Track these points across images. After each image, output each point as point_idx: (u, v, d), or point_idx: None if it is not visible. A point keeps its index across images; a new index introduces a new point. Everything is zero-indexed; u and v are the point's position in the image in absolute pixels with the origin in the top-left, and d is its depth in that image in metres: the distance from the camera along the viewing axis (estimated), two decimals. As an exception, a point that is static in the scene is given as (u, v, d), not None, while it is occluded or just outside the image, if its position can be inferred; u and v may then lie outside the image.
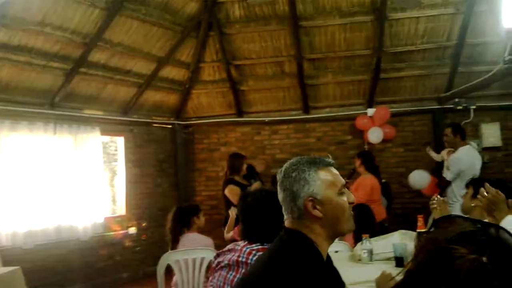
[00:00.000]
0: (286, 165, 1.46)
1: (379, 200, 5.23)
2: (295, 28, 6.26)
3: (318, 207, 1.37)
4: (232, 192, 4.83)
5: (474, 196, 2.77)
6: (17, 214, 5.23)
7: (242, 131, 7.50)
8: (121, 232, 6.48)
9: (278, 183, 1.46)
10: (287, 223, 1.44)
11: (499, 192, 2.41)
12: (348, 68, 6.85)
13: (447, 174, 4.92)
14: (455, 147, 5.07)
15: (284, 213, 1.45)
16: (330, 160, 1.48)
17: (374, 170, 5.32)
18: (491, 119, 6.93)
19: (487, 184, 2.48)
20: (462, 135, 5.00)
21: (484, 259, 0.79)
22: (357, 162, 5.34)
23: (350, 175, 5.73)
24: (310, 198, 1.37)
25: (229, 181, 5.00)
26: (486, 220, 2.30)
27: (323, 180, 1.40)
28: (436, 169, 6.00)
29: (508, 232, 0.90)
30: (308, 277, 1.28)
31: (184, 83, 7.10)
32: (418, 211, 6.02)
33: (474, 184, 2.85)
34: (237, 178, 5.03)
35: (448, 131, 5.04)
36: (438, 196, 2.93)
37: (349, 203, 1.45)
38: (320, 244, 1.39)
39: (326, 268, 1.42)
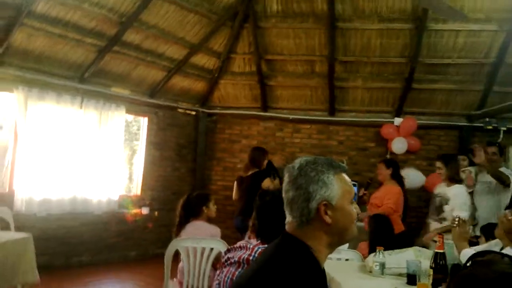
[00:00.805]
0: (301, 161, 1.36)
1: (401, 211, 4.92)
2: (331, 28, 6.17)
3: (329, 212, 1.31)
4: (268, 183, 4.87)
5: None
6: (35, 181, 5.33)
7: (265, 126, 7.47)
8: (134, 211, 6.54)
9: (290, 180, 1.35)
10: (289, 227, 1.36)
11: None
12: (380, 75, 6.73)
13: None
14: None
15: (288, 213, 1.36)
16: (345, 166, 1.41)
17: (399, 179, 5.01)
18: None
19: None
20: (504, 155, 4.78)
21: None
22: (382, 169, 5.02)
23: (367, 186, 5.52)
24: (325, 202, 1.30)
25: (263, 174, 5.04)
26: None
27: (340, 186, 1.33)
28: None
29: None
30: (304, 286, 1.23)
31: (213, 72, 7.09)
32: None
33: None
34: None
35: (494, 149, 4.70)
36: (459, 217, 2.83)
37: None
38: (320, 253, 1.33)
39: (323, 278, 1.36)
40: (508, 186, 4.47)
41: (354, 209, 1.38)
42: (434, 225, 4.50)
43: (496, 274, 0.81)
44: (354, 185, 5.53)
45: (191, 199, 3.82)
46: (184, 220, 3.72)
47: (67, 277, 5.33)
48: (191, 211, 3.76)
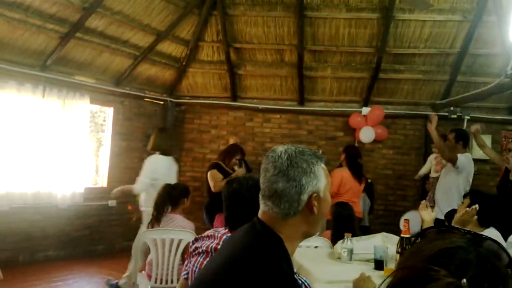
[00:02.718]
0: (289, 152, 1.31)
1: (348, 197, 4.78)
2: (300, 17, 6.14)
3: (316, 203, 1.31)
4: (213, 177, 4.72)
5: (469, 206, 2.76)
6: (-4, 174, 5.12)
7: (235, 116, 7.41)
8: (100, 203, 6.38)
9: (279, 171, 1.30)
10: (267, 217, 1.32)
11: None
12: (348, 64, 6.77)
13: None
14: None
15: (271, 204, 1.30)
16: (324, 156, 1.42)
17: (352, 165, 5.01)
18: (484, 131, 6.93)
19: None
20: (465, 142, 4.87)
21: (464, 281, 0.73)
22: (342, 155, 5.16)
23: None
24: (315, 194, 1.30)
25: (213, 166, 4.89)
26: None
27: (325, 177, 1.34)
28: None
29: (498, 243, 0.84)
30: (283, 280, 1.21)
31: (181, 60, 6.96)
32: (399, 214, 6.05)
33: (472, 196, 2.83)
34: (223, 164, 4.92)
35: (451, 136, 4.88)
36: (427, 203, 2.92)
37: None
38: (292, 244, 1.32)
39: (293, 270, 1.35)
40: (454, 164, 4.61)
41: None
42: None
43: (436, 250, 0.79)
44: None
45: (174, 189, 3.77)
46: (163, 210, 3.65)
47: (32, 273, 5.16)
48: (171, 201, 3.70)
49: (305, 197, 1.29)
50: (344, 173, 4.91)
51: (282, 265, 1.23)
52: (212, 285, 1.27)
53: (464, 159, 4.66)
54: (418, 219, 5.51)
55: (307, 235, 1.38)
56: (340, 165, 5.46)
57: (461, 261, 0.76)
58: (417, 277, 0.77)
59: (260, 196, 1.35)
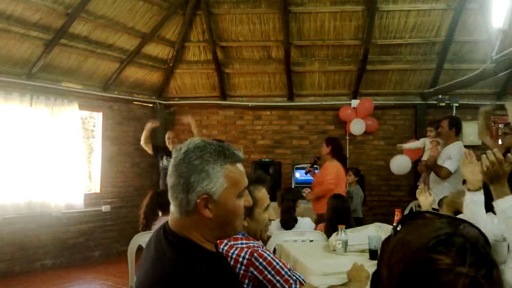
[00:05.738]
0: (189, 146, 1.24)
1: (344, 187, 4.93)
2: (284, 12, 6.14)
3: (210, 206, 1.21)
4: None
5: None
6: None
7: (225, 115, 7.40)
8: (95, 209, 6.35)
9: (173, 164, 1.24)
10: (171, 219, 1.28)
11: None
12: (335, 58, 6.78)
13: (450, 164, 4.55)
14: (446, 141, 4.88)
15: (170, 199, 1.26)
16: (241, 155, 1.30)
17: (339, 157, 5.04)
18: (473, 117, 6.98)
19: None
20: (457, 129, 4.84)
21: (473, 270, 0.75)
22: (323, 147, 5.09)
23: (314, 163, 5.55)
24: (205, 196, 1.20)
25: None
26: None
27: (227, 179, 1.23)
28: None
29: (474, 226, 0.85)
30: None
31: (168, 61, 6.93)
32: (394, 204, 6.10)
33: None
34: None
35: (445, 123, 4.86)
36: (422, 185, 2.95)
37: (245, 207, 1.32)
38: (204, 242, 1.25)
39: (219, 262, 1.30)
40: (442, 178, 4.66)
41: (245, 202, 1.30)
42: None
43: (431, 238, 0.79)
44: (316, 168, 5.58)
45: (163, 194, 3.75)
46: (153, 217, 3.64)
47: (30, 283, 5.13)
48: (161, 206, 3.68)
49: (193, 196, 1.20)
50: (338, 166, 4.90)
51: (198, 270, 1.18)
52: None
53: (460, 150, 4.71)
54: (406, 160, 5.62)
55: (216, 238, 1.30)
56: (317, 160, 5.45)
57: (458, 248, 0.77)
58: (422, 268, 0.77)
59: None
